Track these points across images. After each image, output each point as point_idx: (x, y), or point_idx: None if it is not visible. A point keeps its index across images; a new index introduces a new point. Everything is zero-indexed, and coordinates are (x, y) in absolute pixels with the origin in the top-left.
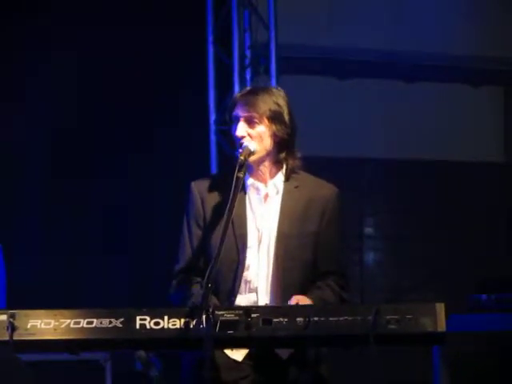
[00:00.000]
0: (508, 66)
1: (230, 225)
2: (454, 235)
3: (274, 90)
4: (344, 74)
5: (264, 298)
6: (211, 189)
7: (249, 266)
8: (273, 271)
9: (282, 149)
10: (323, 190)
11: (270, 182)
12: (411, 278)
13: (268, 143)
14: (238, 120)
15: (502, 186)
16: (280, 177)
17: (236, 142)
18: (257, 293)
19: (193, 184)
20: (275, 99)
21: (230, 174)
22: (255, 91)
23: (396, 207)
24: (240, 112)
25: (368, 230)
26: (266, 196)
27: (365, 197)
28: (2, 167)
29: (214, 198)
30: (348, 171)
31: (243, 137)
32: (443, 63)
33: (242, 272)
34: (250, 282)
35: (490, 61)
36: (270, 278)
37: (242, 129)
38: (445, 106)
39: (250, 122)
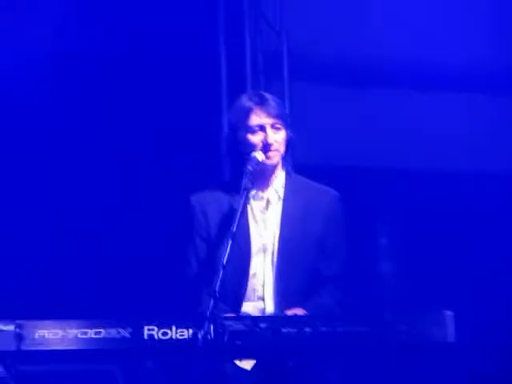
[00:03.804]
0: None
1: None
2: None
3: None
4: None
5: (271, 306)
6: (212, 200)
7: (255, 274)
8: (277, 278)
9: (287, 151)
10: (324, 194)
11: (271, 188)
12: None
13: (283, 149)
14: (262, 128)
15: None
16: (280, 181)
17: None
18: (264, 300)
19: (193, 198)
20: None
21: (228, 183)
22: (268, 97)
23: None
24: (264, 119)
25: (383, 240)
26: (268, 203)
27: (378, 207)
28: None
29: (215, 209)
30: (359, 182)
31: (272, 145)
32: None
33: (247, 280)
34: (256, 290)
35: None
36: (275, 285)
37: (271, 136)
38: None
39: (275, 129)
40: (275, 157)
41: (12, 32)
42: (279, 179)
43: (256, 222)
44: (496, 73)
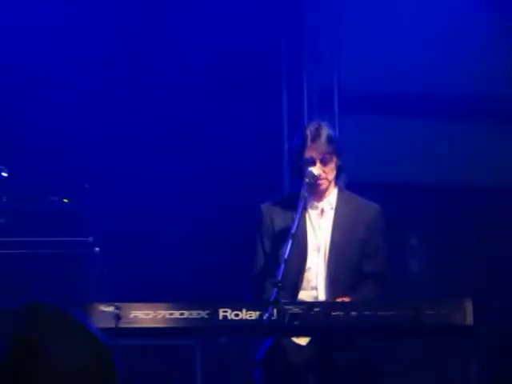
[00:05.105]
0: None
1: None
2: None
3: (326, 124)
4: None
5: (322, 294)
6: (277, 208)
7: (309, 268)
8: (328, 272)
9: (338, 174)
10: (369, 206)
11: (326, 200)
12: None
13: (334, 173)
14: (313, 161)
15: None
16: (333, 195)
17: (304, 171)
18: (316, 289)
19: (262, 206)
20: (332, 134)
21: (291, 196)
22: (322, 133)
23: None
24: (314, 154)
25: (413, 241)
26: (322, 211)
27: (413, 222)
28: None
29: (279, 216)
30: (396, 195)
31: (320, 175)
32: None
33: (304, 273)
34: (310, 281)
35: None
36: (326, 278)
37: (319, 169)
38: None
39: (324, 162)
40: (323, 184)
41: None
42: (332, 194)
43: (312, 226)
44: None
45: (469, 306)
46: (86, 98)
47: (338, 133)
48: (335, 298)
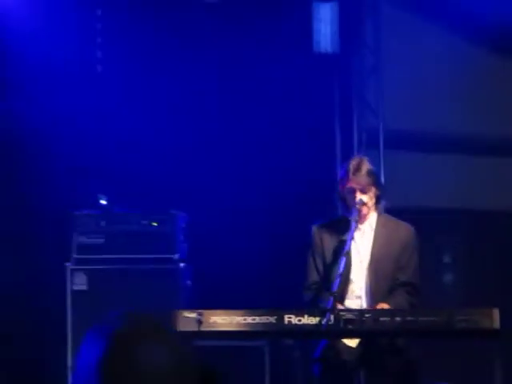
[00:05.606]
0: None
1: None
2: None
3: (366, 159)
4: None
5: (365, 303)
6: (326, 229)
7: (354, 281)
8: (369, 283)
9: (377, 201)
10: (403, 227)
11: (367, 222)
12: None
13: (373, 201)
14: (353, 190)
15: None
16: (373, 218)
17: (350, 199)
18: (361, 299)
19: (314, 227)
20: (372, 168)
21: (338, 219)
22: (361, 168)
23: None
24: (355, 185)
25: (447, 259)
26: (364, 232)
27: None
28: None
29: (328, 235)
30: (432, 217)
31: (360, 202)
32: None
33: (349, 285)
34: (354, 291)
35: None
36: (367, 288)
37: (359, 197)
38: None
39: (363, 191)
40: (364, 210)
41: None
42: (372, 217)
43: (356, 244)
44: None
45: (495, 313)
46: (168, 132)
47: (382, 166)
48: (375, 305)
